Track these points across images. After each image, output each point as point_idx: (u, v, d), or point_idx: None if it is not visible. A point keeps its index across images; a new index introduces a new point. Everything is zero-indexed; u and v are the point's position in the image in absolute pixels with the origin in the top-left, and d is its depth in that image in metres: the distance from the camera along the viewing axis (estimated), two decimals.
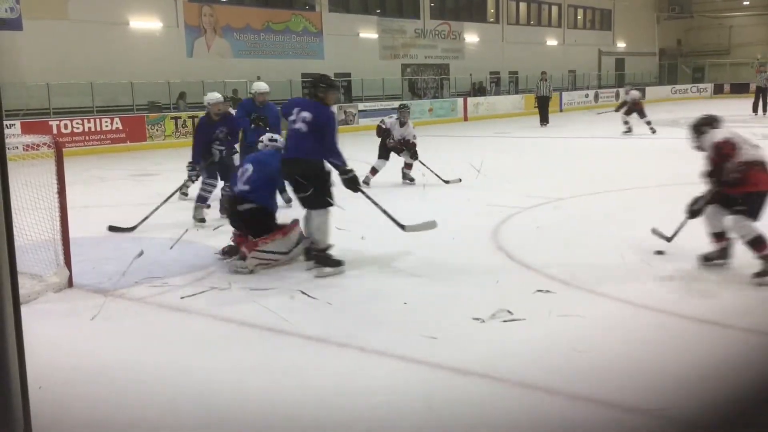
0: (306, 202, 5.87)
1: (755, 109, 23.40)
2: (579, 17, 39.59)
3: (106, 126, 17.24)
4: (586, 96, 33.11)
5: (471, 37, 32.53)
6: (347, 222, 6.95)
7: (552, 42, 37.28)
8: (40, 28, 18.13)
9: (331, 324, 4.59)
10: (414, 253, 6.31)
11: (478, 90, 30.15)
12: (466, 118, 26.82)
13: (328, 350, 4.15)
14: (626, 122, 17.57)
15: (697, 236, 5.62)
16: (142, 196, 10.06)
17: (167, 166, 11.15)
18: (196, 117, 19.16)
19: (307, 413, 3.36)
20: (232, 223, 6.28)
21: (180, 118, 18.94)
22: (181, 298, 5.15)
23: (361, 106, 23.69)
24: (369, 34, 27.97)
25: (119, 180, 11.05)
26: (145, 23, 21.19)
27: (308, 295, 5.12)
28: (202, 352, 4.20)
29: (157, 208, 7.81)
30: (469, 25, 32.53)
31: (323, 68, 25.37)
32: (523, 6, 35.62)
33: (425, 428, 3.20)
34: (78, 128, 17.00)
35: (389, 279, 5.65)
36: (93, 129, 17.14)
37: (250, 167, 6.22)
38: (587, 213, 8.23)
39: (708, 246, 5.60)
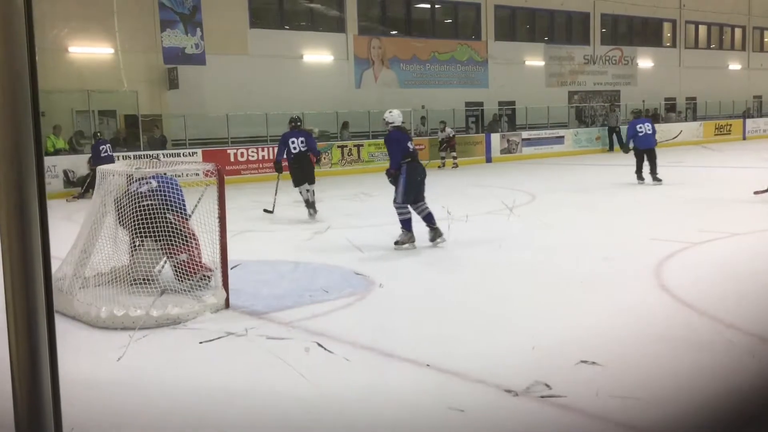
0: None
1: None
2: (766, 39, 36.82)
3: None
4: None
5: (645, 62, 31.14)
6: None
7: (735, 66, 34.91)
8: (222, 62, 19.47)
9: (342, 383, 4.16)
10: (445, 298, 6.01)
11: (652, 117, 28.67)
12: None
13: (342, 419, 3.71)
14: None
15: None
16: (299, 221, 10.48)
17: (330, 192, 11.49)
18: (361, 145, 19.83)
19: None
20: None
21: (346, 146, 19.56)
22: (200, 342, 4.85)
23: (525, 134, 23.33)
24: (535, 61, 27.51)
25: (285, 206, 11.53)
26: (318, 56, 22.16)
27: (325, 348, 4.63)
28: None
29: None
30: (644, 50, 31.16)
31: (487, 96, 25.41)
32: (702, 29, 33.66)
33: None
34: (253, 156, 18.05)
35: (409, 338, 4.90)
36: (267, 157, 18.09)
37: None
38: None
39: None
